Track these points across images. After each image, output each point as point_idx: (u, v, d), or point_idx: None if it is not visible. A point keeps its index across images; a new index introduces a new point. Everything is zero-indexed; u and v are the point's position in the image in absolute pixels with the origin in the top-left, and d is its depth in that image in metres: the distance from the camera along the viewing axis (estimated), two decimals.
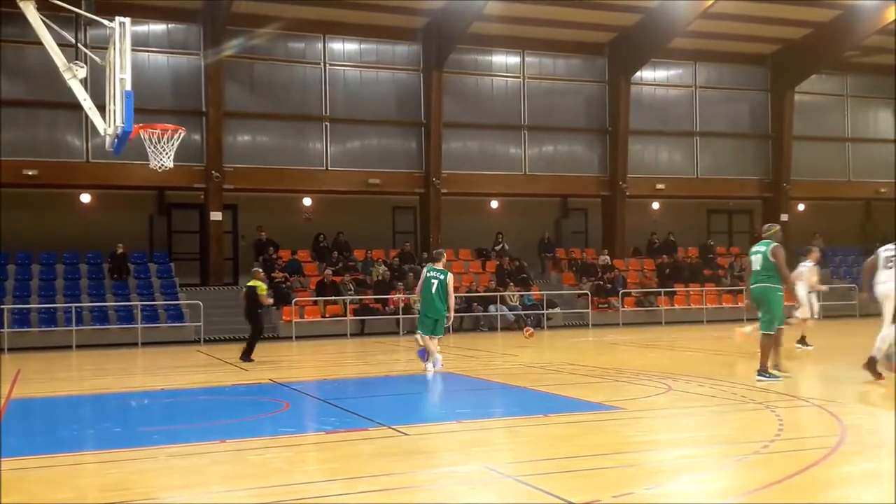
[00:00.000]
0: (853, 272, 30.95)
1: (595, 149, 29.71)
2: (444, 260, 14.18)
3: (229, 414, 10.44)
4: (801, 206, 32.63)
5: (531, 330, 17.34)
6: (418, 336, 14.14)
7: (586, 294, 26.42)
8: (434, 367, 13.84)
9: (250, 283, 16.52)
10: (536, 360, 15.40)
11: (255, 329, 16.48)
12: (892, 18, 26.98)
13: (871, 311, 28.78)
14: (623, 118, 29.19)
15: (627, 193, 29.37)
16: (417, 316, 15.12)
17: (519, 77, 28.92)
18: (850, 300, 28.93)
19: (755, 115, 31.72)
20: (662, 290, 27.47)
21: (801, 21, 28.77)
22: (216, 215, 25.15)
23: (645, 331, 23.92)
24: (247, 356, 16.11)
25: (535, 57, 29.06)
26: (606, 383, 12.30)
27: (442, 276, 13.65)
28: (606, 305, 26.47)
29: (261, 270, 18.06)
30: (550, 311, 25.59)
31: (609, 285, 26.97)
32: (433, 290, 13.67)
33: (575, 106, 29.58)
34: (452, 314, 13.99)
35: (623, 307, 26.56)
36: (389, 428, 8.59)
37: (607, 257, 28.21)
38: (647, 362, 15.40)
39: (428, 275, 13.84)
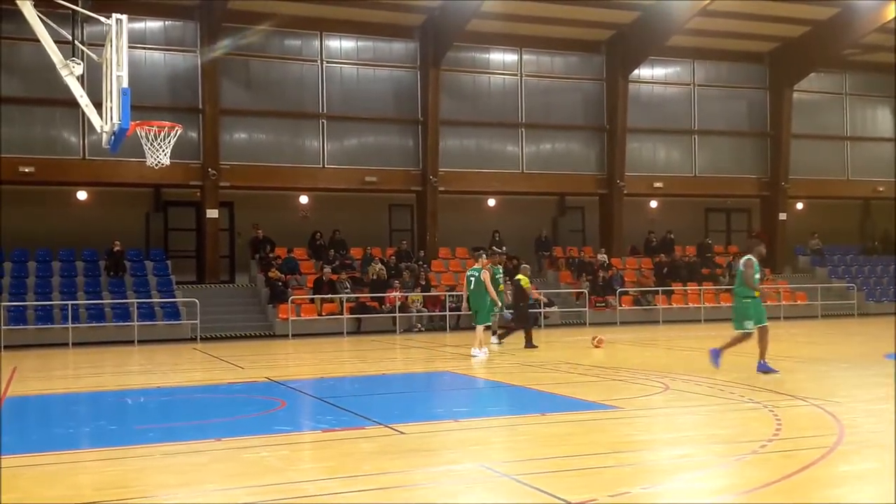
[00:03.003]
0: (851, 271, 30.98)
1: (592, 147, 29.68)
2: (482, 260, 16.51)
3: (225, 412, 10.41)
4: (799, 205, 32.62)
5: (602, 339, 17.41)
6: (479, 329, 16.22)
7: (584, 293, 26.40)
8: (477, 356, 15.54)
9: (517, 277, 18.06)
10: (533, 359, 15.37)
11: (520, 319, 17.59)
12: (890, 17, 26.98)
13: (868, 310, 28.91)
14: (621, 116, 29.15)
15: (625, 192, 29.34)
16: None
17: (516, 75, 28.88)
18: (848, 299, 28.94)
19: (753, 114, 31.69)
20: (660, 288, 27.46)
21: (799, 19, 28.74)
22: (213, 213, 25.09)
23: (642, 329, 23.90)
24: (529, 343, 17.19)
25: (533, 55, 29.03)
26: (603, 382, 12.28)
27: (477, 274, 16.04)
28: (604, 304, 26.45)
29: (527, 266, 19.67)
30: (548, 309, 25.56)
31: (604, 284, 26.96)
32: (472, 287, 16.12)
33: (572, 104, 29.54)
34: (499, 303, 16.49)
35: (620, 306, 26.54)
36: (386, 427, 8.56)
37: (605, 256, 28.20)
38: (645, 361, 15.38)
39: (468, 274, 16.44)
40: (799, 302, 28.64)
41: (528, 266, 19.79)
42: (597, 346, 17.14)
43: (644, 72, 30.06)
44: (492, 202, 29.32)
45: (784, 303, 28.15)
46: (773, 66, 31.17)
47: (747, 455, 7.06)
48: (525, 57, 28.96)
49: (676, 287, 27.90)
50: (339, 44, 27.06)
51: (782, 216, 31.35)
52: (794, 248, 31.87)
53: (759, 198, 31.86)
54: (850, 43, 29.21)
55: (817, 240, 31.96)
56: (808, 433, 8.08)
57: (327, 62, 26.80)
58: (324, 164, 26.68)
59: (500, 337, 18.12)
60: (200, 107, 25.08)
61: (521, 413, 9.76)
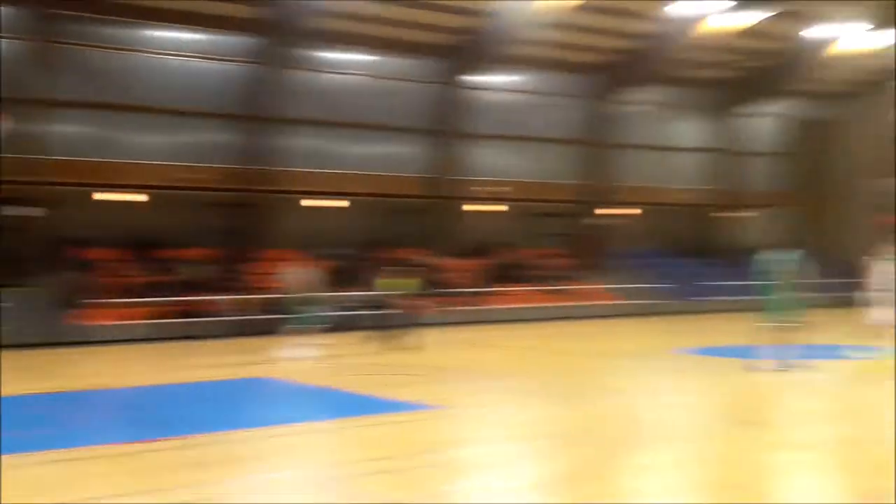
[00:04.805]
0: (670, 273, 32.58)
1: (429, 150, 29.99)
2: (317, 263, 17.63)
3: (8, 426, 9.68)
4: (624, 210, 34.05)
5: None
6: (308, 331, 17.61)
7: (432, 295, 26.39)
8: (303, 356, 16.17)
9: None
10: (362, 362, 15.38)
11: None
12: (709, 34, 28.80)
13: (684, 308, 30.35)
14: (458, 121, 29.59)
15: (459, 195, 29.83)
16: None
17: (357, 75, 28.74)
18: (665, 299, 30.47)
19: (585, 122, 32.82)
20: (490, 289, 28.07)
21: (626, 33, 30.16)
22: (14, 210, 23.17)
23: (471, 330, 24.32)
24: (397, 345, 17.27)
25: (375, 56, 28.97)
26: (432, 383, 12.42)
27: (314, 277, 17.14)
28: (435, 305, 26.70)
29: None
30: (381, 311, 25.48)
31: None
32: (306, 291, 17.11)
33: (411, 106, 29.64)
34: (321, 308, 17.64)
35: (451, 307, 26.89)
36: (191, 437, 8.27)
37: (436, 258, 28.48)
38: (472, 361, 15.70)
39: (295, 276, 17.55)
40: (614, 301, 29.92)
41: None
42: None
43: (483, 78, 30.52)
44: (330, 203, 29.00)
45: (601, 302, 29.41)
46: (603, 77, 32.45)
47: (558, 448, 7.37)
48: (366, 58, 28.87)
49: (506, 288, 28.60)
50: (170, 35, 25.98)
51: (607, 221, 32.78)
52: (617, 251, 33.28)
53: (586, 203, 33.10)
54: (672, 58, 30.92)
55: (639, 243, 33.68)
56: (610, 426, 8.52)
57: (154, 54, 25.64)
58: (145, 161, 25.30)
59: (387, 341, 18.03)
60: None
61: (341, 416, 9.72)
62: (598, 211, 32.65)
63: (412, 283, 18.52)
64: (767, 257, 12.33)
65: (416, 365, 14.66)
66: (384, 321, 18.06)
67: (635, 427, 8.53)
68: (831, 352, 12.64)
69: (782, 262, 12.20)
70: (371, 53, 28.97)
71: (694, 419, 9.07)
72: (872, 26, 29.82)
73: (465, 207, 30.66)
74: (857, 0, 28.94)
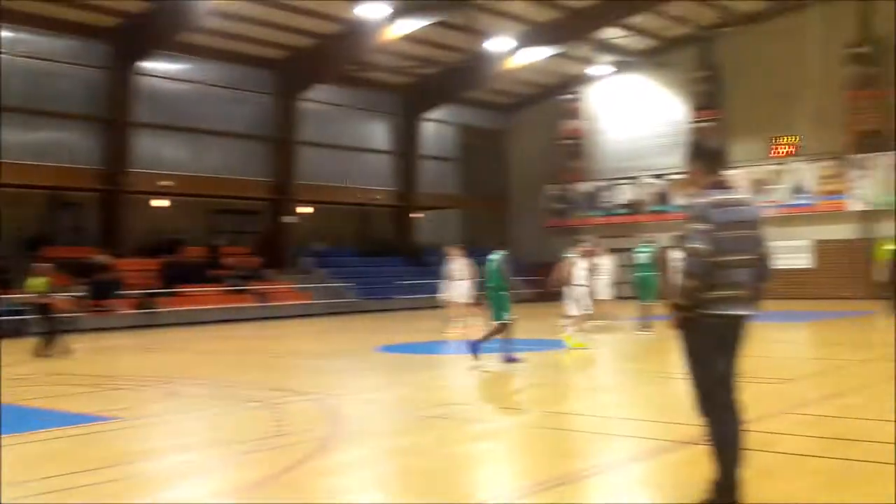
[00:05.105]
0: (349, 272, 33.27)
1: (95, 139, 27.72)
2: None
3: None
4: (304, 209, 34.11)
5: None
6: None
7: (81, 296, 24.43)
8: None
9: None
10: (16, 372, 13.75)
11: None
12: (390, 39, 29.55)
13: (366, 307, 31.21)
14: (126, 109, 27.71)
15: (129, 189, 27.94)
16: None
17: (9, 55, 25.84)
18: (347, 298, 30.96)
19: (263, 118, 32.31)
20: (166, 290, 26.67)
21: (309, 31, 30.09)
22: None
23: (147, 333, 22.97)
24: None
25: (26, 34, 26.20)
26: (102, 392, 11.49)
27: None
28: (104, 308, 24.85)
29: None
30: (36, 316, 23.11)
31: (106, 286, 25.40)
32: None
33: (72, 91, 27.20)
34: None
35: (122, 309, 25.18)
36: None
37: (105, 256, 26.49)
38: (148, 366, 14.81)
39: None
40: (302, 301, 29.93)
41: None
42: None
43: (154, 65, 28.90)
44: None
45: (287, 302, 29.25)
46: (282, 74, 32.14)
47: (248, 454, 7.07)
48: (15, 35, 26.01)
49: (183, 289, 27.34)
50: None
51: (289, 219, 32.57)
52: (298, 249, 33.27)
53: (267, 200, 32.67)
54: (353, 59, 31.40)
55: (320, 242, 33.91)
56: (306, 427, 8.35)
57: None
58: None
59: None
60: None
61: (5, 433, 8.56)
62: (282, 208, 32.35)
63: (42, 283, 16.63)
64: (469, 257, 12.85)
65: (81, 373, 13.40)
66: (32, 325, 16.29)
67: (333, 426, 8.36)
68: (529, 345, 13.40)
69: (488, 261, 12.75)
70: (28, 33, 26.17)
71: (395, 415, 9.15)
72: (519, 44, 32.14)
73: (141, 202, 28.82)
74: (518, 18, 31.27)
